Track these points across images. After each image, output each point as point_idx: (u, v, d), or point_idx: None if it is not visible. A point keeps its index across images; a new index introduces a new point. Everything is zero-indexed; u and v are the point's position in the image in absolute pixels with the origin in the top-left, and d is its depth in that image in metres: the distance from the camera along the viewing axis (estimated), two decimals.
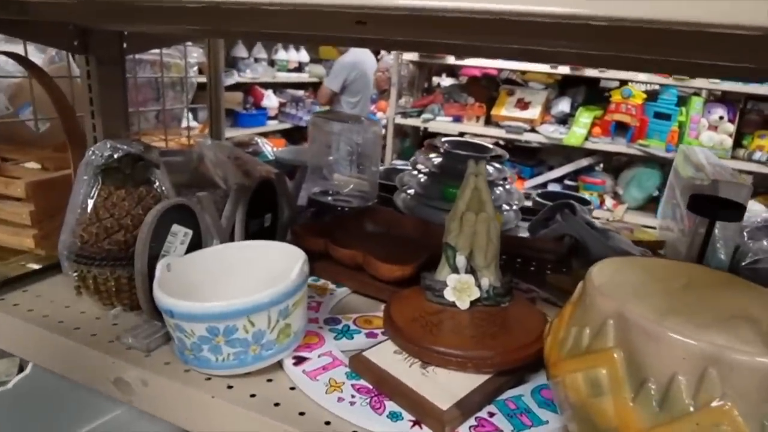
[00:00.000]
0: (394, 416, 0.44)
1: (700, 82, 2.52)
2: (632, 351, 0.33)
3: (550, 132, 2.75)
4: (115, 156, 0.56)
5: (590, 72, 2.70)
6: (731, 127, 2.55)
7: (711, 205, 0.63)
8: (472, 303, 0.55)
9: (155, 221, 0.53)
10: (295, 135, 3.88)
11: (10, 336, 0.59)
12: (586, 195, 2.19)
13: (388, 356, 0.50)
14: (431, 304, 0.56)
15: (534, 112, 2.81)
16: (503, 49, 0.59)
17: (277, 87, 3.89)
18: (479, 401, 0.46)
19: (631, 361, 0.33)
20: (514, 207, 0.90)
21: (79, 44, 0.75)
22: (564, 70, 2.72)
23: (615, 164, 2.91)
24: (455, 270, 0.55)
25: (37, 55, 0.91)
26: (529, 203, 1.02)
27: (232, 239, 0.63)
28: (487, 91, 3.04)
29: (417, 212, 0.86)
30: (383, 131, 2.98)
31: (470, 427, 0.44)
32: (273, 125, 3.78)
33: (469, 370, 0.48)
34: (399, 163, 1.44)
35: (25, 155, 0.80)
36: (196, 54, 1.24)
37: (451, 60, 3.05)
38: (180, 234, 0.56)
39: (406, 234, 0.78)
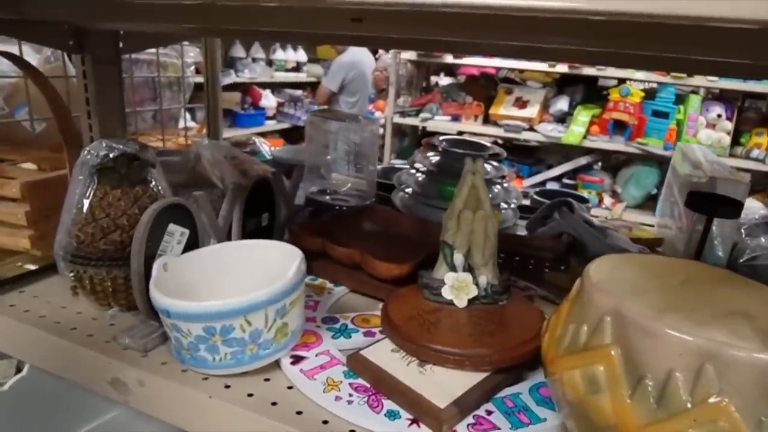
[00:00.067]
0: (392, 415, 0.44)
1: (698, 80, 2.51)
2: (629, 348, 0.33)
3: (549, 131, 2.75)
4: (111, 156, 0.56)
5: (588, 70, 2.69)
6: (729, 125, 2.55)
7: (709, 203, 0.63)
8: (470, 301, 0.55)
9: (151, 221, 0.52)
10: (293, 135, 3.87)
11: (6, 337, 0.59)
12: (584, 193, 2.19)
13: (385, 355, 0.50)
14: (429, 302, 0.56)
15: (532, 111, 2.81)
16: (502, 46, 0.59)
17: (276, 87, 3.88)
18: (477, 399, 0.46)
19: (629, 358, 0.33)
20: (512, 205, 0.90)
21: (74, 44, 0.75)
22: (562, 68, 2.71)
23: (613, 162, 2.90)
24: (453, 268, 0.55)
25: (32, 55, 0.91)
26: (527, 201, 1.02)
27: (229, 239, 0.63)
28: (485, 90, 3.03)
29: (415, 211, 0.86)
30: (381, 130, 2.98)
31: (468, 425, 0.44)
32: (271, 125, 3.77)
33: (467, 368, 0.48)
34: (398, 163, 1.44)
35: (20, 156, 0.80)
36: (192, 53, 1.23)
37: (449, 59, 3.04)
38: (177, 233, 0.56)
39: (403, 233, 0.78)
